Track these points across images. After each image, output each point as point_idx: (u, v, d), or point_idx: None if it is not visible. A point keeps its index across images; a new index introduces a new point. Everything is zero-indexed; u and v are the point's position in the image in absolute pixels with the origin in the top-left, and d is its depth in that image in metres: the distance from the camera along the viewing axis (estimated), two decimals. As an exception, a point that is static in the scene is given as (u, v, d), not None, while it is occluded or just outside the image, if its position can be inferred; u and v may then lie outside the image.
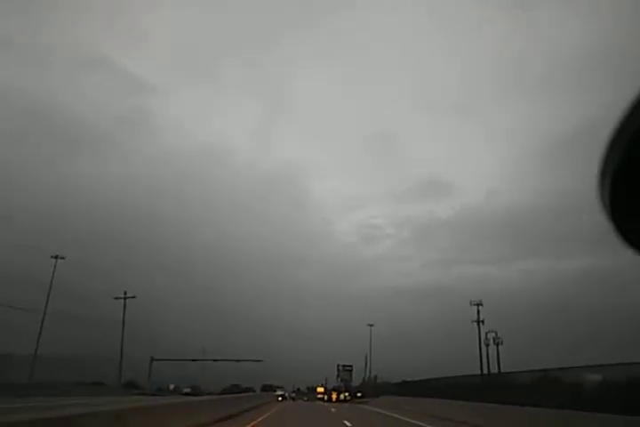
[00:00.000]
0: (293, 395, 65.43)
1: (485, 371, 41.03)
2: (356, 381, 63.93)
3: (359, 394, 55.16)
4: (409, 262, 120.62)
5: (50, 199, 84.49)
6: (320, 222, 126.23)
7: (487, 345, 43.98)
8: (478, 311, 46.24)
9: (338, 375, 62.30)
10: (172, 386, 66.01)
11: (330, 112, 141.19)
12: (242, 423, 16.21)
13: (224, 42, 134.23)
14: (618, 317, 50.09)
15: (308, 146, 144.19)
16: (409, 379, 42.80)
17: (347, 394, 54.72)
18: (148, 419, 9.62)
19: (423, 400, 28.62)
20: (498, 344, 43.32)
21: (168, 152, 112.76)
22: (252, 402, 27.65)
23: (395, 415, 23.65)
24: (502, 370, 38.49)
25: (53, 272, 45.98)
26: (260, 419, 18.52)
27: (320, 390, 60.78)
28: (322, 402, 52.06)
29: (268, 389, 68.43)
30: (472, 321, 46.21)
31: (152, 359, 59.32)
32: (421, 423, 18.58)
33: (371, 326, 63.45)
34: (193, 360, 65.06)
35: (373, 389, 55.67)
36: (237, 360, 63.66)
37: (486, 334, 44.77)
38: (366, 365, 64.06)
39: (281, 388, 65.30)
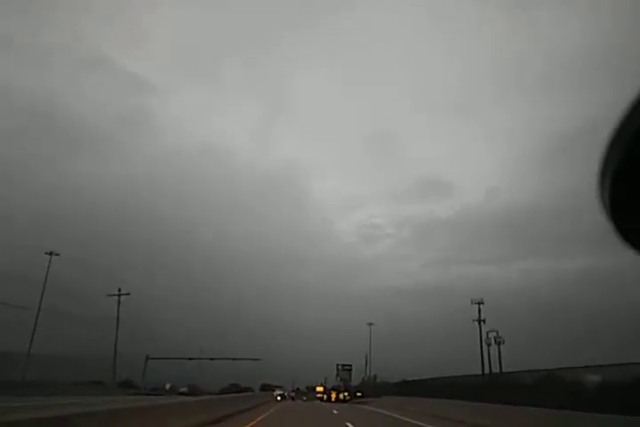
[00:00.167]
0: (293, 394, 65.58)
1: (487, 371, 41.09)
2: (356, 380, 64.20)
3: (359, 394, 55.28)
4: (409, 262, 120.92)
5: (49, 198, 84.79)
6: (320, 222, 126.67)
7: (488, 344, 44.04)
8: (479, 310, 46.28)
9: (337, 375, 62.47)
10: (168, 385, 65.84)
11: (330, 112, 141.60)
12: None
13: (224, 42, 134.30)
14: (618, 317, 50.26)
15: (307, 146, 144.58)
16: (409, 379, 42.98)
17: (346, 394, 54.79)
18: (145, 419, 9.63)
19: (426, 401, 28.56)
20: (499, 344, 43.37)
21: (168, 152, 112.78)
22: (247, 403, 26.42)
23: (406, 419, 22.27)
24: (503, 370, 38.58)
25: (48, 268, 46.13)
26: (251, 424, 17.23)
27: (319, 389, 60.97)
28: (321, 402, 52.17)
29: (267, 388, 68.63)
30: (473, 320, 46.27)
31: (147, 358, 59.31)
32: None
33: (370, 324, 63.71)
34: (189, 359, 64.94)
35: (373, 388, 55.83)
36: (234, 359, 63.58)
37: (487, 333, 44.85)
38: (366, 364, 64.30)
39: (280, 387, 65.40)
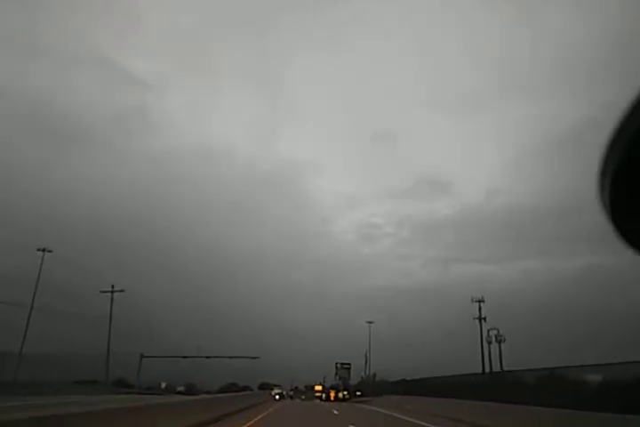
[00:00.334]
0: (291, 393, 65.76)
1: (487, 370, 41.24)
2: (355, 380, 64.39)
3: (358, 393, 55.41)
4: (409, 262, 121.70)
5: (46, 198, 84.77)
6: (320, 222, 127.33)
7: (489, 343, 44.18)
8: (480, 308, 46.38)
9: (336, 374, 62.59)
10: (163, 384, 65.82)
11: (330, 111, 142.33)
12: None
13: (224, 41, 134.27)
14: (618, 316, 50.63)
15: (307, 145, 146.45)
16: (408, 378, 43.18)
17: (345, 393, 54.78)
18: (139, 419, 9.61)
19: (427, 400, 28.56)
20: (500, 342, 43.50)
21: (164, 152, 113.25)
22: (239, 404, 24.50)
23: (408, 419, 21.77)
24: (503, 369, 38.70)
25: (41, 265, 46.02)
26: None
27: (318, 388, 61.11)
28: (320, 401, 52.24)
29: (265, 387, 68.86)
30: (474, 318, 46.36)
31: (142, 356, 59.20)
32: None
33: (370, 322, 63.82)
34: (184, 357, 64.81)
35: (372, 387, 56.02)
36: (231, 357, 63.56)
37: (488, 331, 44.97)
38: (366, 362, 64.47)
39: (278, 386, 65.53)
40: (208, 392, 55.45)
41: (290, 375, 77.60)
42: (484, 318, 45.91)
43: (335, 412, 27.14)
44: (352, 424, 17.78)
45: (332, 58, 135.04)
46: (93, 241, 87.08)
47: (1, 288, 49.83)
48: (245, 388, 68.43)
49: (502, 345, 43.34)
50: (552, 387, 16.89)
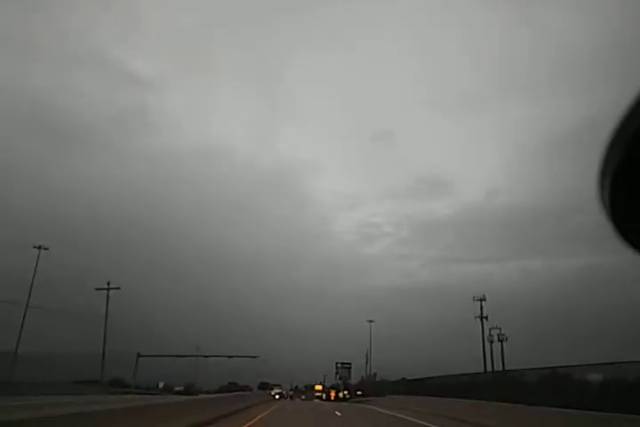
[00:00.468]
0: (291, 393, 65.90)
1: (488, 369, 41.33)
2: (355, 379, 64.56)
3: (359, 392, 55.51)
4: (409, 261, 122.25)
5: (46, 198, 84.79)
6: (320, 222, 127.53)
7: (491, 342, 44.27)
8: (482, 307, 46.42)
9: (337, 373, 62.72)
10: (161, 384, 65.78)
11: (330, 111, 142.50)
12: None
13: (224, 41, 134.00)
14: (618, 316, 50.76)
15: (307, 145, 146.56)
16: (409, 377, 43.26)
17: (345, 393, 54.84)
18: (135, 420, 9.61)
19: (428, 400, 28.51)
20: (502, 341, 43.58)
21: (165, 152, 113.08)
22: (237, 405, 23.73)
23: (411, 419, 21.12)
24: (505, 368, 38.78)
25: (37, 263, 45.85)
26: None
27: (318, 388, 61.24)
28: (320, 401, 52.29)
29: (265, 387, 69.11)
30: (475, 317, 46.43)
31: (138, 355, 59.02)
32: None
33: (370, 322, 63.89)
34: (181, 356, 64.59)
35: (373, 387, 56.12)
36: (230, 356, 63.53)
37: (490, 330, 45.05)
38: (367, 362, 64.57)
39: (278, 386, 65.69)
40: (207, 392, 55.58)
41: (290, 375, 77.97)
42: (486, 317, 46.00)
43: (338, 413, 25.93)
44: None
45: (332, 58, 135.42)
46: (93, 241, 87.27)
47: (1, 288, 49.85)
48: (245, 388, 68.60)
49: (503, 345, 43.52)
50: (555, 386, 16.91)
